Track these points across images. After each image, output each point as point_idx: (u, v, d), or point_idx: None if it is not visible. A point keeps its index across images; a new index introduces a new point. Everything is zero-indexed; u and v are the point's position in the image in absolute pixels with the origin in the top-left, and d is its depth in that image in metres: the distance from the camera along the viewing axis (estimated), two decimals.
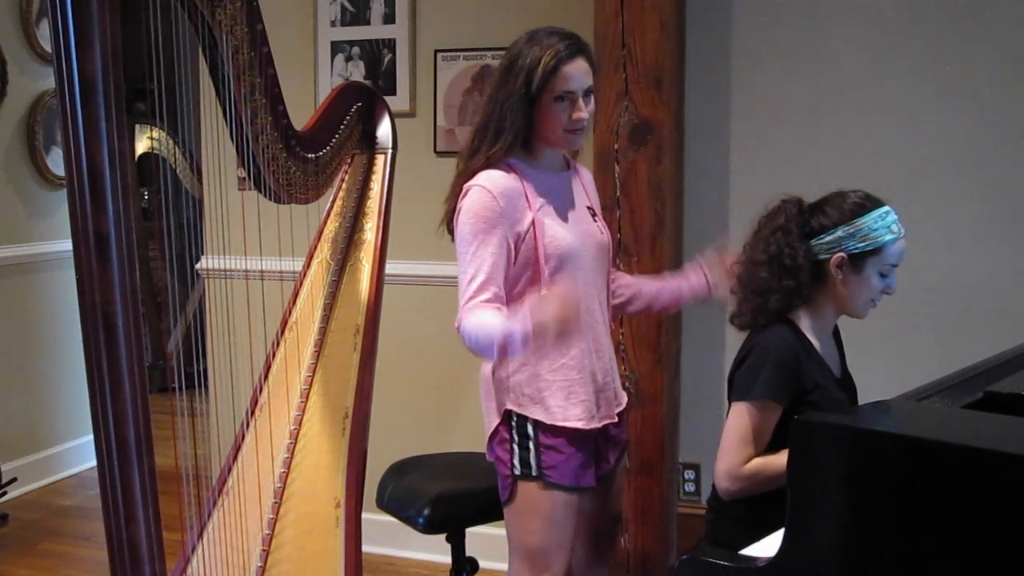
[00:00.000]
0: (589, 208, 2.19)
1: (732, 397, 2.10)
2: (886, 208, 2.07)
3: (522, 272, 2.06)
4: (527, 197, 2.05)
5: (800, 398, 2.02)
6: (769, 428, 2.04)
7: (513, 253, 2.03)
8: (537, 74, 2.00)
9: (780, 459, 1.93)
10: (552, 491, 2.08)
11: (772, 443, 2.04)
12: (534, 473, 2.08)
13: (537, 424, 2.08)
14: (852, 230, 2.05)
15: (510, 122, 2.03)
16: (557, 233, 2.06)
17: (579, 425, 2.08)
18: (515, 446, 2.10)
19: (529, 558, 2.13)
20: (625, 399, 2.28)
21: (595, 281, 2.14)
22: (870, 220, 2.04)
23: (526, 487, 2.09)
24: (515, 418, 2.09)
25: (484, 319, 1.91)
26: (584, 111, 2.04)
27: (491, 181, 2.03)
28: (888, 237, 2.04)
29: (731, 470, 2.05)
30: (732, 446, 2.05)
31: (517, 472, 2.10)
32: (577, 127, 2.06)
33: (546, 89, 2.01)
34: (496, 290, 1.99)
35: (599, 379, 2.14)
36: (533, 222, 2.04)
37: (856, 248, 2.04)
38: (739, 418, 2.06)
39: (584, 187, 2.23)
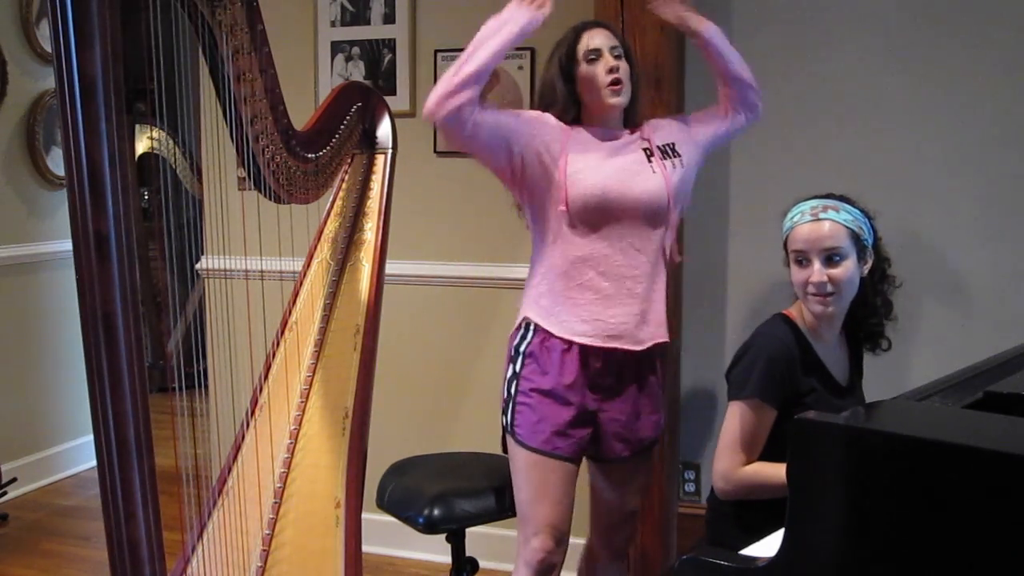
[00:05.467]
0: (647, 150, 2.25)
1: (728, 397, 2.10)
2: (808, 200, 2.12)
3: (546, 196, 2.19)
4: (565, 138, 2.20)
5: (794, 401, 2.01)
6: (764, 429, 2.04)
7: (526, 157, 2.18)
8: (564, 47, 2.24)
9: (777, 471, 1.93)
10: (522, 449, 2.22)
11: (773, 449, 2.03)
12: (508, 428, 2.25)
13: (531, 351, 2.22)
14: (783, 227, 2.14)
15: (556, 96, 2.24)
16: (586, 174, 2.16)
17: (579, 340, 2.18)
18: (509, 381, 2.26)
19: (520, 514, 2.26)
20: (656, 358, 2.28)
21: (635, 231, 2.20)
22: (787, 215, 2.13)
23: (509, 441, 2.27)
24: (527, 328, 2.25)
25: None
26: (615, 62, 2.20)
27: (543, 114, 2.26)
28: (787, 225, 2.11)
29: (727, 472, 2.05)
30: (727, 447, 2.05)
31: (504, 423, 2.27)
32: (613, 81, 2.19)
33: (576, 57, 2.22)
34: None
35: (618, 317, 2.19)
36: (564, 155, 2.18)
37: (784, 244, 2.13)
38: (733, 419, 2.06)
39: (650, 136, 2.28)
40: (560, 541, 2.22)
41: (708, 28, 2.30)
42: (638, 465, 2.35)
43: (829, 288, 2.05)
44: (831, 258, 2.05)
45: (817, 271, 2.05)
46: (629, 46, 2.33)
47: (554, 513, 2.21)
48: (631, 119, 2.31)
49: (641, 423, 2.27)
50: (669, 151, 2.28)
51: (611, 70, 2.19)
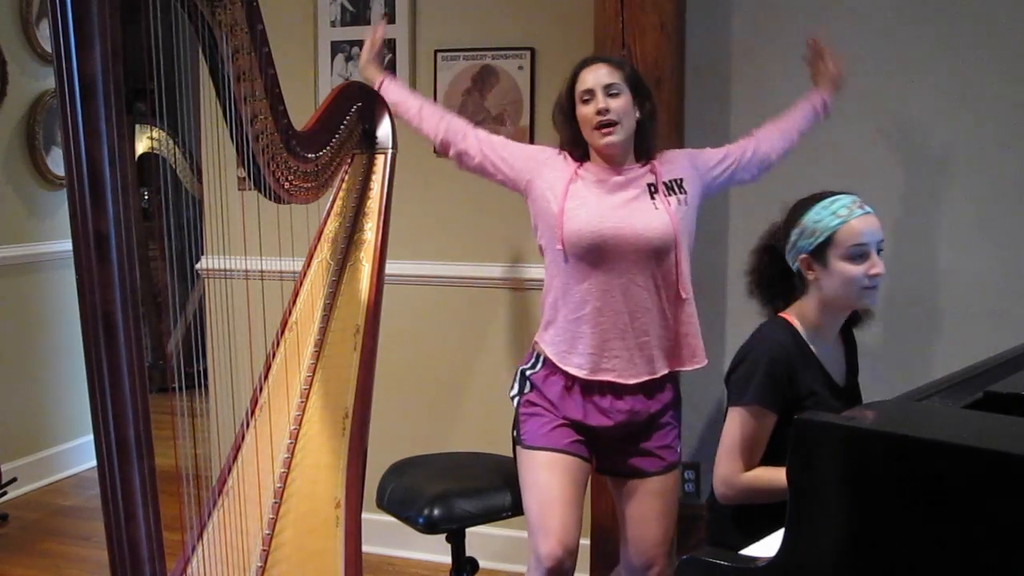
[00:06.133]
0: (651, 185, 2.26)
1: (728, 403, 2.10)
2: (833, 197, 2.08)
3: (550, 232, 2.26)
4: (571, 177, 2.27)
5: (794, 404, 2.01)
6: (764, 434, 2.04)
7: (532, 191, 2.31)
8: (565, 87, 2.30)
9: (777, 475, 1.93)
10: (527, 451, 2.27)
11: (773, 452, 2.03)
12: (516, 439, 2.32)
13: (540, 361, 2.31)
14: (800, 229, 2.08)
15: (563, 134, 2.32)
16: (580, 212, 2.21)
17: (576, 372, 2.24)
18: (513, 399, 2.37)
19: (529, 524, 2.26)
20: (668, 391, 2.33)
21: (636, 267, 2.21)
22: (812, 214, 2.07)
23: (518, 451, 2.33)
24: (536, 357, 2.34)
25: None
26: (603, 102, 2.21)
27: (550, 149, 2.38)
28: (835, 222, 2.04)
29: (727, 477, 2.05)
30: (727, 452, 2.05)
31: (513, 437, 2.34)
32: (600, 124, 2.21)
33: (574, 96, 2.26)
34: (472, 129, 2.43)
35: (615, 351, 2.23)
36: (565, 193, 2.24)
37: (810, 245, 2.06)
38: (733, 424, 2.06)
39: (658, 170, 2.29)
40: (569, 547, 2.20)
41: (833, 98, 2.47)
42: (657, 484, 2.33)
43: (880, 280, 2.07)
44: (879, 250, 2.07)
45: (879, 262, 2.05)
46: (638, 77, 2.32)
47: (562, 516, 2.19)
48: (643, 152, 2.31)
49: (641, 451, 2.31)
50: (676, 187, 2.28)
51: (600, 112, 2.21)
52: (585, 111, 2.23)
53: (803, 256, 2.08)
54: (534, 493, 2.23)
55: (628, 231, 2.19)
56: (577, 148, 2.29)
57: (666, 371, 2.29)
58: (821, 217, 2.06)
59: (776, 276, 2.19)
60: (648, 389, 2.28)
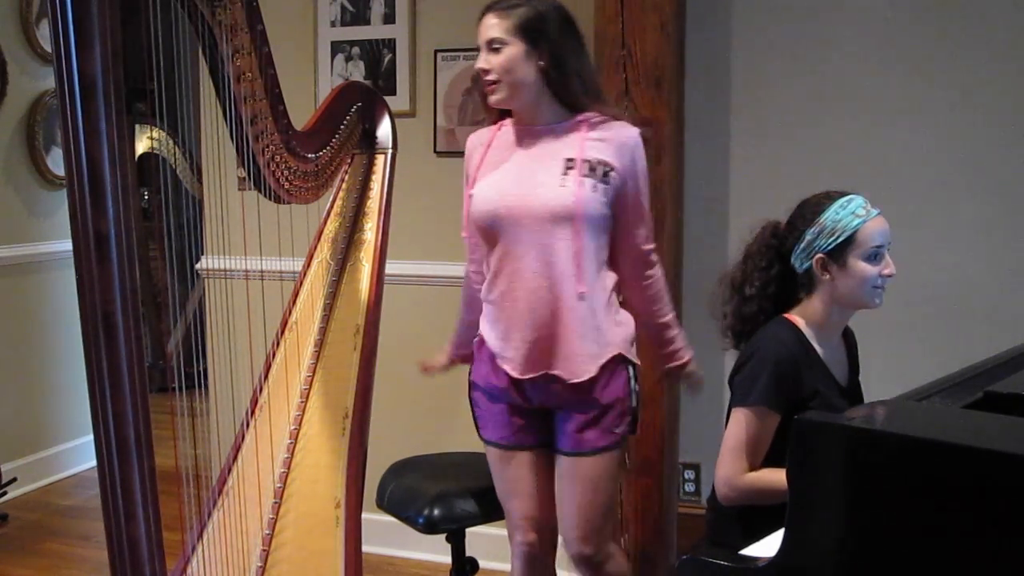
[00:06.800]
0: (569, 160, 2.06)
1: (731, 403, 2.09)
2: (847, 197, 2.07)
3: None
4: (485, 152, 2.17)
5: (799, 405, 2.01)
6: (768, 435, 2.04)
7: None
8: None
9: (780, 477, 1.93)
10: (485, 446, 2.27)
11: (775, 452, 2.03)
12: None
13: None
14: (818, 229, 2.05)
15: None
16: (482, 192, 2.12)
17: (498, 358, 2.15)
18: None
19: (504, 510, 2.29)
20: (589, 373, 2.11)
21: (541, 243, 2.05)
22: (831, 213, 2.04)
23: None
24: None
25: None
26: (482, 62, 2.07)
27: (470, 137, 2.25)
28: (855, 222, 2.03)
29: (729, 478, 2.04)
30: (730, 452, 2.04)
31: None
32: (484, 80, 2.08)
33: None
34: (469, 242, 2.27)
35: (526, 337, 2.09)
36: (474, 180, 2.15)
37: (829, 244, 2.04)
38: (737, 425, 2.05)
39: (583, 144, 2.07)
40: (541, 531, 2.23)
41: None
42: (565, 467, 2.19)
43: None
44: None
45: (891, 262, 2.06)
46: (536, 22, 2.04)
47: (526, 506, 2.22)
48: (567, 105, 2.10)
49: (580, 400, 2.15)
50: (600, 169, 2.07)
51: (481, 72, 2.09)
52: (478, 66, 2.11)
53: (819, 256, 2.06)
54: (497, 481, 2.28)
55: (534, 201, 2.05)
56: (490, 114, 2.18)
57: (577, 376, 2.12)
58: (841, 216, 2.04)
59: (778, 280, 2.18)
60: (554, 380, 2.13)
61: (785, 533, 1.49)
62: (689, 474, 3.36)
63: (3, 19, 4.06)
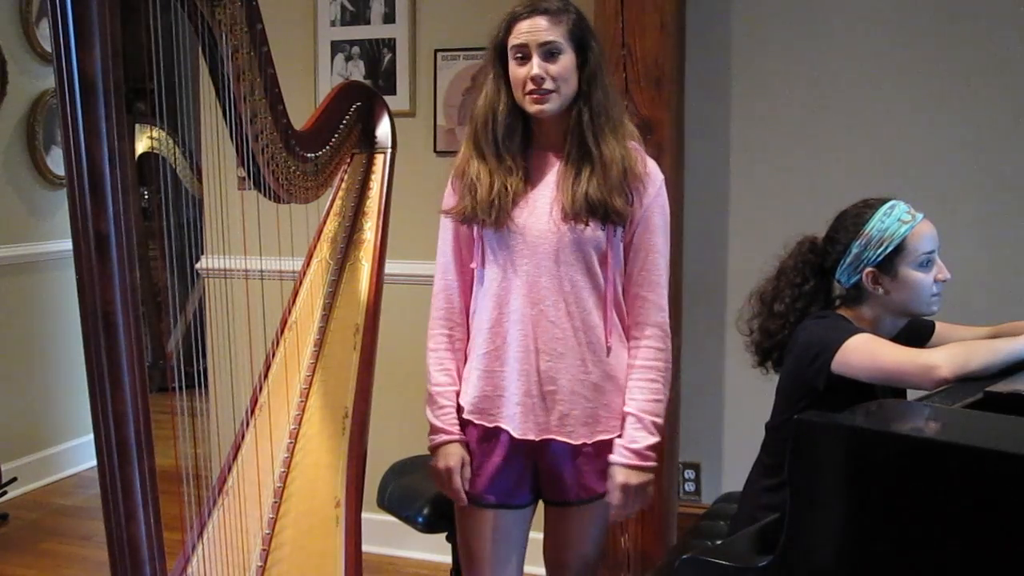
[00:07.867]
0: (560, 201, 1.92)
1: (830, 364, 1.86)
2: (889, 203, 1.97)
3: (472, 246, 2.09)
4: None
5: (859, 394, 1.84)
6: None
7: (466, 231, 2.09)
8: (499, 35, 1.94)
9: (963, 334, 2.04)
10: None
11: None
12: None
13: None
14: (864, 240, 1.95)
15: (496, 114, 1.95)
16: None
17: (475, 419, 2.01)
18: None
19: None
20: (606, 426, 1.98)
21: (553, 271, 1.93)
22: (876, 222, 1.95)
23: None
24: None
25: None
26: (538, 68, 1.85)
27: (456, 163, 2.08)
28: (903, 229, 1.93)
29: (931, 364, 1.77)
30: (900, 356, 1.81)
31: None
32: (532, 88, 1.86)
33: (507, 50, 1.91)
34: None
35: (540, 383, 1.96)
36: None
37: (879, 256, 1.94)
38: (867, 344, 1.85)
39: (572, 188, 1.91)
40: None
41: None
42: (577, 511, 2.06)
43: None
44: None
45: (943, 266, 1.98)
46: (585, 31, 1.90)
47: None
48: (576, 144, 1.91)
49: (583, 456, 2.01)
50: (599, 211, 1.89)
51: (532, 76, 1.86)
52: (517, 72, 1.88)
53: (869, 269, 1.95)
54: (460, 548, 2.12)
55: (548, 229, 1.93)
56: (514, 132, 1.93)
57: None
58: (887, 225, 1.94)
59: (809, 295, 2.05)
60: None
61: (785, 532, 1.50)
62: (689, 474, 3.36)
63: (3, 19, 4.06)
